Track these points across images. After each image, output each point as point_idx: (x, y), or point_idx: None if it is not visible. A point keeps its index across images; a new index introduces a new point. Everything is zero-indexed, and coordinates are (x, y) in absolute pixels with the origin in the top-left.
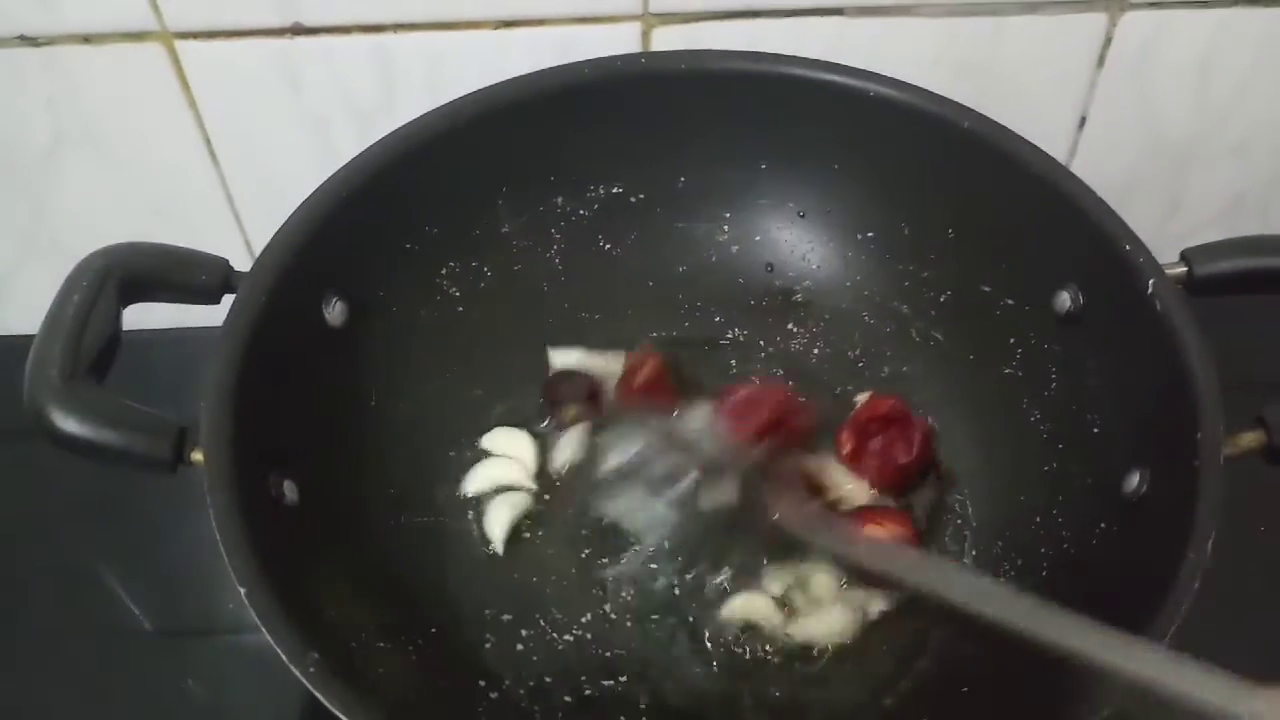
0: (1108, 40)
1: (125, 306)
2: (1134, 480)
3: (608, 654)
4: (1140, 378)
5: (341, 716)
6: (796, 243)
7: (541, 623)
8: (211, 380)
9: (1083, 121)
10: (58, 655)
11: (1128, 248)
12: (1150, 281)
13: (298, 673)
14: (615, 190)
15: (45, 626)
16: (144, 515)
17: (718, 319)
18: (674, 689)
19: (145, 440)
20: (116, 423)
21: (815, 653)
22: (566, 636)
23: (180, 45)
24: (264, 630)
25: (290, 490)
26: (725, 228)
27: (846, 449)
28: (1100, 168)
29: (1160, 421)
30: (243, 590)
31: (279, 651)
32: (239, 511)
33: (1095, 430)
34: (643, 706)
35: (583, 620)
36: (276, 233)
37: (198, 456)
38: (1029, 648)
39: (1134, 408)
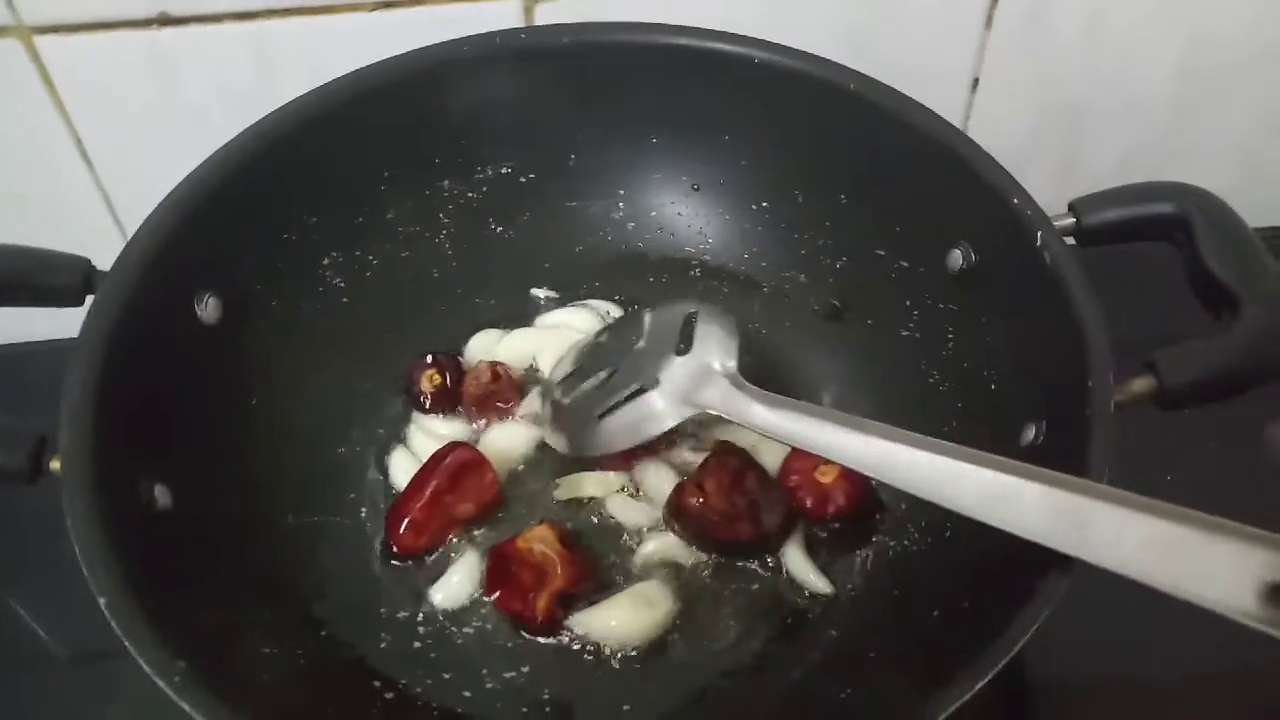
0: (994, 0)
1: None
2: (1030, 433)
3: (510, 644)
4: (1032, 330)
5: None
6: (692, 216)
7: (440, 618)
8: (70, 383)
9: (975, 84)
10: None
11: (1015, 201)
12: (1038, 233)
13: (163, 685)
14: (504, 171)
15: None
16: (40, 535)
17: (617, 296)
18: (579, 677)
19: None
20: None
21: (721, 627)
22: (466, 629)
23: (40, 41)
24: (126, 642)
25: (162, 495)
26: (620, 205)
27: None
28: (996, 130)
29: (1053, 372)
30: (102, 601)
31: (141, 663)
32: (100, 520)
33: (993, 386)
34: (546, 697)
35: (483, 611)
36: (139, 228)
37: (56, 465)
38: (934, 606)
39: (1028, 361)
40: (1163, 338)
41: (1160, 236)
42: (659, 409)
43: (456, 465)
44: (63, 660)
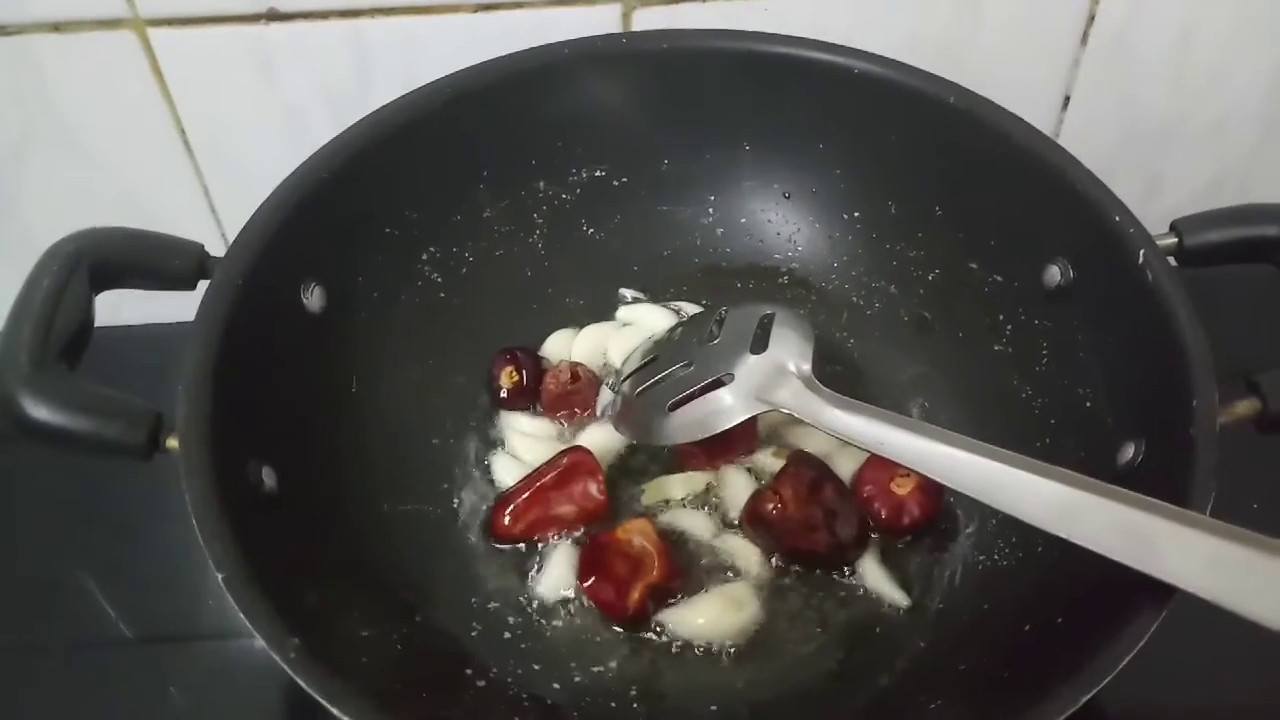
0: (1091, 18)
1: (98, 293)
2: (1129, 452)
3: (597, 639)
4: (1132, 349)
5: (324, 703)
6: (782, 224)
7: (529, 609)
8: (187, 363)
9: (1067, 101)
10: (36, 664)
11: (1117, 219)
12: (1141, 252)
13: (279, 659)
14: (598, 174)
15: (22, 635)
16: (121, 519)
17: (704, 302)
18: (665, 674)
19: (119, 426)
20: (89, 409)
21: (808, 631)
22: (555, 622)
23: (153, 33)
24: (243, 616)
25: (269, 477)
26: (710, 210)
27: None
28: (1086, 146)
29: (1153, 392)
30: (221, 576)
31: (259, 637)
32: (216, 497)
33: (1088, 404)
34: (634, 693)
35: (572, 605)
36: (252, 216)
37: (173, 443)
38: (1025, 621)
39: (1126, 379)
40: (1256, 362)
41: (1264, 259)
42: (729, 404)
43: (568, 466)
44: (130, 639)
